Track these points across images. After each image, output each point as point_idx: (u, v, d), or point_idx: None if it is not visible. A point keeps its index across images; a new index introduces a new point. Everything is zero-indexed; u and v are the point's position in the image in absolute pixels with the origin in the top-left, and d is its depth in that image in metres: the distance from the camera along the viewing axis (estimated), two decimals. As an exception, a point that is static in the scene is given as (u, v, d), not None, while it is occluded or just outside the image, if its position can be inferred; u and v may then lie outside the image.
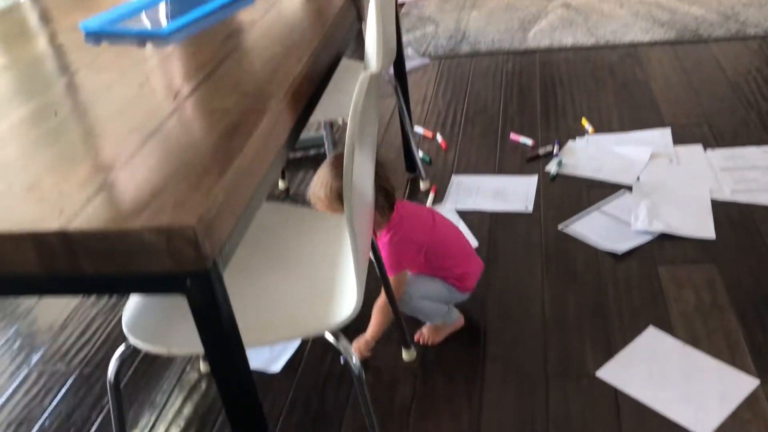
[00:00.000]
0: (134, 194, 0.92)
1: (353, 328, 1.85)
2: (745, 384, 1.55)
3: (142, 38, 1.54)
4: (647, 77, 2.97)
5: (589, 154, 2.48)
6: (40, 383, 1.84)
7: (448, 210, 2.27)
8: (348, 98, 1.05)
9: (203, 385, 1.76)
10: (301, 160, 2.74)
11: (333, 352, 1.79)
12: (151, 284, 0.91)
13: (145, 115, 1.16)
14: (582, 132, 2.63)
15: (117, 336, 1.97)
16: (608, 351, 1.68)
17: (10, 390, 1.83)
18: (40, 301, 2.15)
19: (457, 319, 1.79)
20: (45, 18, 1.83)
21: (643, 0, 3.76)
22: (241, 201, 0.97)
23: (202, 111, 1.15)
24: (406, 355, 1.74)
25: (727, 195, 2.17)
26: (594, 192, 2.27)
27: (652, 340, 1.70)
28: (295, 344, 1.81)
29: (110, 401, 1.27)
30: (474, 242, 2.09)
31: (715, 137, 2.49)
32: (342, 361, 1.75)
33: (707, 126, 2.56)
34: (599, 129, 2.63)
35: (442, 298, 1.74)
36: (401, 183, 2.47)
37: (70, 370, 1.87)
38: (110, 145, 1.08)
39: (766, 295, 1.79)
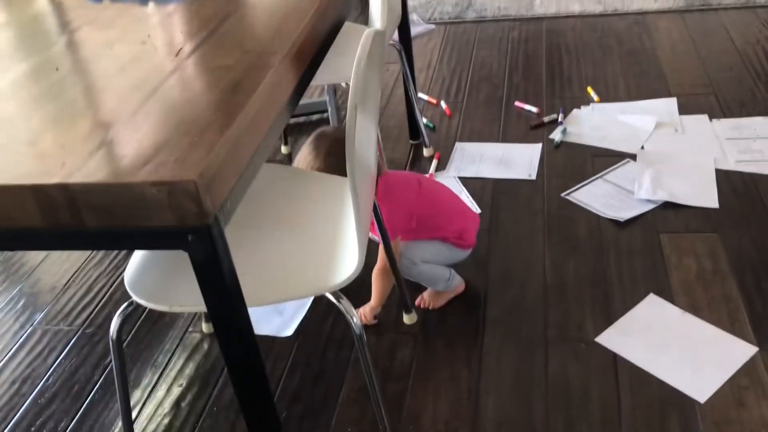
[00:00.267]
0: (136, 149, 0.91)
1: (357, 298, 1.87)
2: (744, 351, 1.56)
3: (144, -4, 1.52)
4: (654, 46, 2.94)
5: (593, 122, 2.47)
6: (43, 342, 1.86)
7: (451, 177, 2.26)
8: (351, 62, 1.04)
9: (205, 346, 1.77)
10: (303, 125, 2.73)
11: (335, 313, 1.80)
12: (153, 240, 0.91)
13: (147, 72, 1.15)
14: (587, 100, 2.61)
15: (119, 297, 1.98)
16: (608, 317, 1.69)
17: (14, 348, 1.85)
18: (43, 262, 2.17)
19: (458, 284, 1.80)
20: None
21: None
22: (243, 158, 0.97)
23: (204, 68, 1.14)
24: (406, 318, 1.75)
25: (731, 165, 2.16)
26: (598, 160, 2.26)
27: (652, 308, 1.70)
28: (304, 309, 1.82)
29: (113, 358, 1.29)
30: (477, 209, 2.09)
31: (721, 107, 2.47)
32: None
33: (714, 96, 2.54)
34: (605, 98, 2.61)
35: (444, 260, 1.75)
36: (404, 150, 2.46)
37: (73, 329, 1.89)
38: (112, 101, 1.07)
39: (767, 265, 1.79)
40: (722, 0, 3.23)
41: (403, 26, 2.33)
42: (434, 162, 2.36)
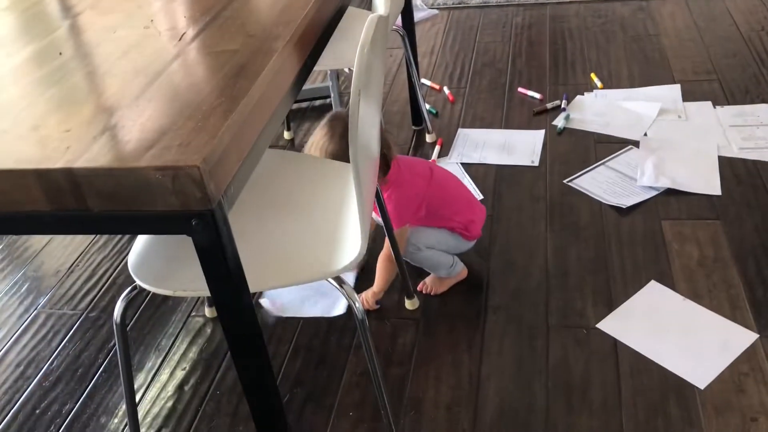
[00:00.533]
0: (139, 134, 0.92)
1: (360, 283, 1.87)
2: (744, 338, 1.57)
3: (146, -20, 1.51)
4: (658, 32, 2.92)
5: (597, 109, 2.46)
6: (47, 326, 1.87)
7: (453, 163, 2.26)
8: (354, 47, 1.04)
9: (208, 330, 1.78)
10: (306, 110, 2.73)
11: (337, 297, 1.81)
12: (157, 224, 0.92)
13: (150, 57, 1.15)
14: (591, 87, 2.60)
15: (123, 281, 1.99)
16: (609, 304, 1.70)
17: (19, 332, 1.86)
18: (47, 246, 2.17)
19: (461, 271, 1.80)
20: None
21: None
22: (247, 143, 0.97)
23: (208, 52, 1.14)
24: (408, 304, 1.76)
25: (734, 152, 2.16)
26: (601, 147, 2.26)
27: (653, 294, 1.71)
28: (351, 282, 1.85)
29: (116, 342, 1.29)
30: (479, 195, 2.09)
31: (725, 94, 2.46)
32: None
33: (718, 82, 2.53)
34: (608, 84, 2.60)
35: (449, 248, 1.75)
36: (407, 136, 2.46)
37: (77, 313, 1.90)
38: (115, 86, 1.07)
39: (769, 252, 1.79)
40: (728, -14, 3.20)
41: (407, 11, 2.32)
42: (437, 148, 2.35)
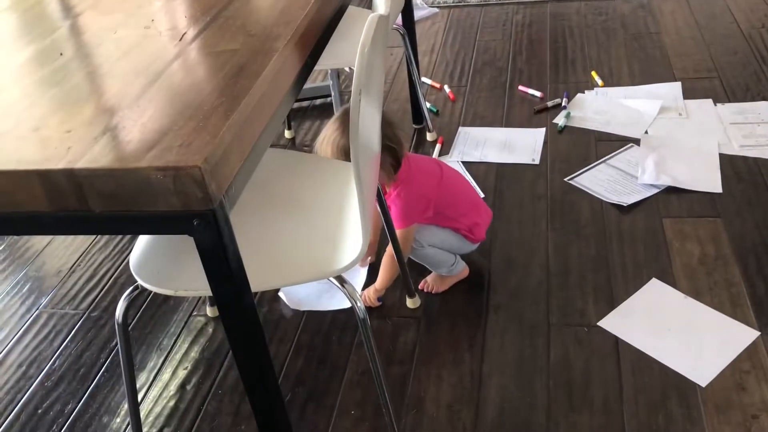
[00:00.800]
0: (141, 134, 0.92)
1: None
2: (745, 335, 1.57)
3: (146, -20, 1.51)
4: (659, 30, 2.92)
5: (597, 107, 2.46)
6: (49, 325, 1.88)
7: (454, 161, 2.26)
8: (355, 46, 1.04)
9: (210, 329, 1.79)
10: (307, 109, 2.73)
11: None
12: (158, 224, 0.92)
13: (151, 57, 1.15)
14: (591, 85, 2.60)
15: (125, 281, 2.00)
16: (610, 302, 1.70)
17: (20, 332, 1.87)
18: (48, 246, 2.18)
19: (462, 269, 1.80)
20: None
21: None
22: (248, 142, 0.97)
23: (209, 53, 1.14)
24: (410, 302, 1.76)
25: (735, 149, 2.16)
26: (602, 145, 2.26)
27: (654, 292, 1.71)
28: (362, 276, 1.86)
29: (118, 341, 1.30)
30: (480, 193, 2.09)
31: (726, 91, 2.46)
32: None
33: (718, 80, 2.53)
34: (609, 82, 2.60)
35: (452, 248, 1.75)
36: (408, 135, 2.46)
37: (78, 313, 1.90)
38: (116, 86, 1.07)
39: (770, 250, 1.79)
40: (728, -17, 3.20)
41: (407, 10, 2.32)
42: (437, 146, 2.35)
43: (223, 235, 0.89)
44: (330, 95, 2.60)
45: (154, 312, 1.87)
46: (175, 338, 1.78)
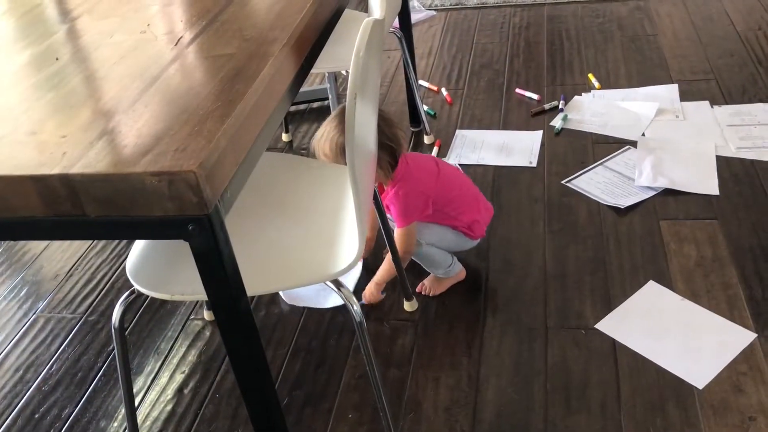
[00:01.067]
0: (136, 139, 0.92)
1: (358, 285, 1.87)
2: (742, 337, 1.57)
3: (143, -16, 1.51)
4: (656, 32, 2.93)
5: (594, 109, 2.46)
6: (46, 330, 1.87)
7: (452, 164, 2.26)
8: (351, 49, 1.04)
9: (207, 333, 1.79)
10: (304, 112, 2.73)
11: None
12: (153, 229, 0.92)
13: (147, 61, 1.15)
14: (588, 87, 2.61)
15: (122, 285, 1.99)
16: (608, 304, 1.70)
17: (18, 336, 1.87)
18: (45, 250, 2.18)
19: (459, 272, 1.80)
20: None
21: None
22: (244, 147, 0.97)
23: (204, 57, 1.14)
24: (407, 305, 1.76)
25: (732, 151, 2.16)
26: (599, 147, 2.26)
27: (651, 294, 1.71)
28: (357, 272, 1.86)
29: (115, 346, 1.30)
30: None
31: (722, 93, 2.46)
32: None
33: (715, 82, 2.53)
34: (606, 84, 2.61)
35: (452, 246, 1.75)
36: (405, 137, 2.46)
37: (76, 317, 1.90)
38: (112, 90, 1.07)
39: (766, 251, 1.79)
40: (725, -15, 3.21)
41: (404, 13, 2.33)
42: (435, 149, 2.36)
43: (219, 239, 0.89)
44: (327, 98, 2.60)
45: (151, 316, 1.86)
46: (172, 342, 1.77)
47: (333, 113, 1.61)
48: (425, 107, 2.57)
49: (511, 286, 1.79)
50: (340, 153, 1.51)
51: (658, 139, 2.26)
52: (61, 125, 0.98)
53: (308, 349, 1.70)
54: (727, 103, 2.40)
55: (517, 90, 2.63)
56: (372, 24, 1.01)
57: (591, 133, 2.34)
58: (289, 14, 1.27)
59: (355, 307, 1.22)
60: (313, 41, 1.32)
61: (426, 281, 1.81)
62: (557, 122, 2.40)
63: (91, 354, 1.78)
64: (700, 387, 1.47)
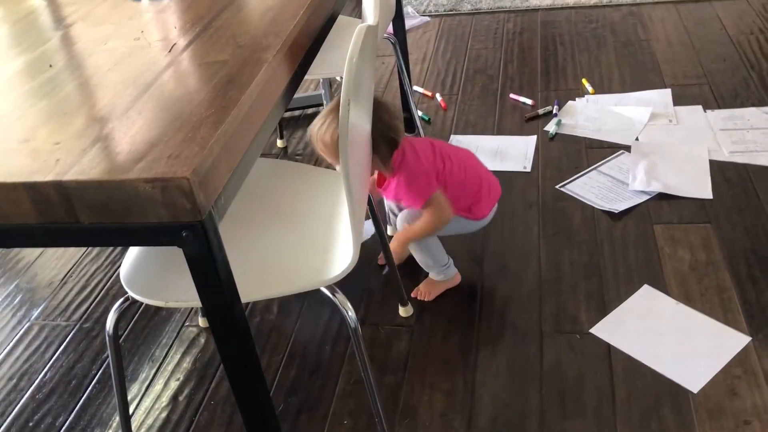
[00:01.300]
0: (129, 146, 0.92)
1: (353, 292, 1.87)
2: (737, 341, 1.57)
3: (137, -9, 1.52)
4: (649, 37, 2.94)
5: (588, 114, 2.47)
6: (41, 337, 1.87)
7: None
8: (345, 55, 1.04)
9: (202, 340, 1.78)
10: (299, 118, 2.73)
11: (331, 306, 1.81)
12: (147, 236, 0.92)
13: (141, 68, 1.15)
14: (582, 92, 2.62)
15: (117, 292, 1.99)
16: (602, 309, 1.70)
17: (12, 344, 1.86)
18: (40, 257, 2.17)
19: (454, 276, 1.81)
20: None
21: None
22: (237, 153, 0.97)
23: (198, 64, 1.14)
24: (402, 311, 1.76)
25: (725, 156, 2.17)
26: (592, 152, 2.27)
27: (646, 298, 1.71)
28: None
29: (109, 353, 1.29)
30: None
31: (715, 98, 2.47)
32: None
33: (708, 86, 2.54)
34: (599, 89, 2.62)
35: (451, 230, 1.71)
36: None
37: (70, 324, 1.89)
38: (105, 97, 1.07)
39: (760, 255, 1.80)
40: (717, -10, 3.23)
41: (398, 19, 2.33)
42: (429, 155, 2.36)
43: (212, 246, 0.89)
44: (322, 104, 2.61)
45: (146, 323, 1.86)
46: (167, 349, 1.77)
47: (329, 105, 1.55)
48: (420, 113, 2.57)
49: (506, 290, 1.80)
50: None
51: (652, 144, 2.27)
52: (55, 132, 0.98)
53: (303, 355, 1.69)
54: (719, 107, 2.41)
55: (511, 95, 2.64)
56: (365, 30, 1.02)
57: (585, 138, 2.34)
58: (282, 21, 1.27)
59: (350, 313, 1.22)
60: (306, 47, 1.33)
61: (421, 286, 1.81)
62: (551, 127, 2.41)
63: (85, 361, 1.77)
64: (695, 391, 1.48)
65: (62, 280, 2.06)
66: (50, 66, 1.20)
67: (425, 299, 1.79)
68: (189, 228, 0.87)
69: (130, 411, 1.60)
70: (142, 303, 1.16)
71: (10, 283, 2.08)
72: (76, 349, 1.81)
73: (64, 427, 1.60)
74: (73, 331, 1.87)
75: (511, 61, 2.90)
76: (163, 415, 1.60)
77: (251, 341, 1.02)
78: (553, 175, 2.18)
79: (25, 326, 1.91)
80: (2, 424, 1.64)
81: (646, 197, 2.03)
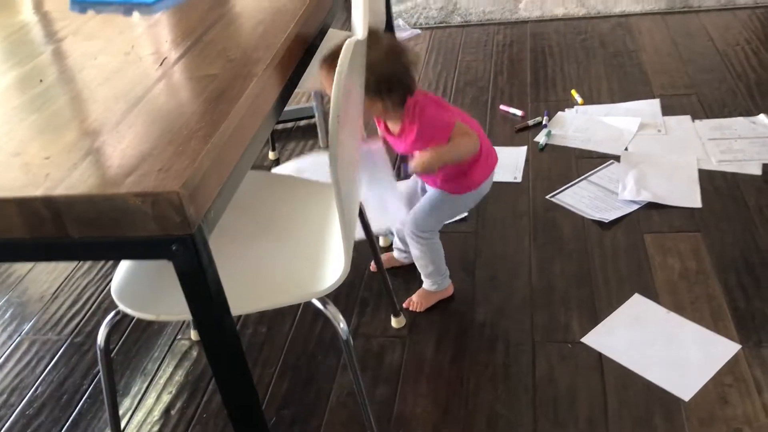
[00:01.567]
0: (120, 160, 0.92)
1: (345, 303, 1.87)
2: (727, 349, 1.58)
3: (128, 6, 1.52)
4: (637, 48, 2.97)
5: (578, 124, 2.49)
6: (31, 352, 1.86)
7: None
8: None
9: (194, 353, 1.78)
10: (291, 130, 2.74)
11: (323, 318, 1.81)
12: (137, 250, 0.92)
13: (131, 83, 1.15)
14: (571, 103, 2.64)
15: (108, 305, 1.98)
16: (594, 318, 1.71)
17: (2, 359, 1.85)
18: (31, 271, 2.16)
19: (448, 287, 1.81)
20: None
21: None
22: (227, 166, 0.98)
23: (188, 77, 1.15)
24: (395, 322, 1.77)
25: (713, 165, 2.19)
26: (582, 162, 2.28)
27: (636, 307, 1.72)
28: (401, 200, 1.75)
29: (100, 368, 1.29)
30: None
31: (703, 107, 2.49)
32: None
33: (696, 96, 2.57)
34: (589, 100, 2.64)
35: (454, 211, 1.69)
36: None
37: (61, 338, 1.89)
38: (96, 112, 1.07)
39: (749, 263, 1.81)
40: (703, 2, 3.27)
41: (389, 31, 2.35)
42: (421, 166, 2.37)
43: (202, 259, 0.89)
44: (314, 116, 2.62)
45: (138, 336, 1.85)
46: (159, 362, 1.76)
47: (326, 54, 1.48)
48: (411, 124, 2.58)
49: (498, 301, 1.80)
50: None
51: (641, 154, 2.28)
52: (45, 146, 0.98)
53: (296, 367, 1.69)
54: (708, 117, 2.44)
55: (502, 106, 2.65)
56: (353, 45, 1.02)
57: (575, 148, 2.36)
58: (273, 34, 1.28)
59: (342, 325, 1.22)
60: (297, 60, 1.33)
61: (414, 296, 1.81)
62: (541, 138, 2.42)
63: (76, 376, 1.76)
64: (687, 399, 1.48)
65: (53, 294, 2.05)
66: (40, 81, 1.21)
67: (418, 310, 1.80)
68: (179, 241, 0.87)
69: (122, 425, 1.60)
70: (134, 316, 1.15)
71: (1, 298, 2.07)
72: (67, 363, 1.81)
73: (55, 443, 1.59)
74: (64, 346, 1.86)
75: (501, 72, 2.92)
76: (155, 429, 1.59)
77: (242, 355, 1.01)
78: (543, 186, 2.19)
79: (16, 341, 1.90)
80: (-8, 440, 1.63)
81: (635, 206, 2.05)
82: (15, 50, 1.38)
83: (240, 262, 1.23)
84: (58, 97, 1.14)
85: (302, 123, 2.77)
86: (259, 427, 1.08)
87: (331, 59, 1.44)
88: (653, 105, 2.54)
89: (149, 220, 0.85)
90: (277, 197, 1.43)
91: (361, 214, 1.57)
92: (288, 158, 2.56)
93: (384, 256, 1.91)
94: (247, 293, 1.16)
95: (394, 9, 3.45)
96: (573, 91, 2.69)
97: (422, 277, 1.80)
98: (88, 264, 2.16)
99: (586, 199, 2.11)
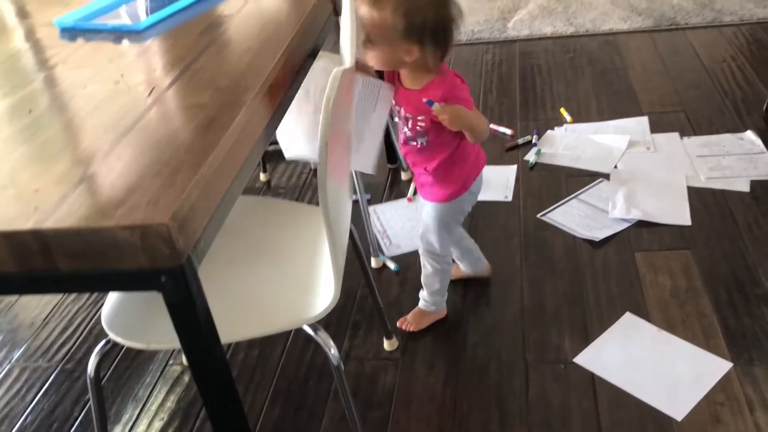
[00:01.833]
0: (109, 192, 0.92)
1: (336, 328, 1.87)
2: (719, 367, 1.58)
3: (118, 34, 1.53)
4: (625, 65, 3.00)
5: (567, 143, 2.51)
6: (21, 380, 1.84)
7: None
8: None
9: (186, 378, 1.77)
10: (282, 152, 2.74)
11: (315, 343, 1.80)
12: (126, 281, 0.92)
13: (121, 112, 1.16)
14: (561, 121, 2.65)
15: (99, 332, 1.97)
16: (585, 337, 1.71)
17: (-8, 387, 1.83)
18: (21, 298, 2.15)
19: (443, 308, 1.81)
20: (22, 13, 1.81)
21: (621, -12, 3.78)
22: (216, 196, 0.98)
23: (178, 106, 1.16)
24: (387, 344, 1.76)
25: (702, 182, 2.20)
26: (572, 180, 2.30)
27: (628, 326, 1.73)
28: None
29: (91, 396, 1.28)
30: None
31: (691, 124, 2.52)
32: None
33: (684, 113, 2.59)
34: (577, 118, 2.66)
35: (458, 212, 1.65)
36: (383, 174, 2.48)
37: (52, 366, 1.87)
38: (85, 142, 1.08)
39: (738, 279, 1.82)
40: (689, 19, 3.30)
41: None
42: (412, 185, 2.38)
43: (192, 290, 0.89)
44: (304, 138, 2.62)
45: (129, 362, 1.84)
46: (150, 389, 1.75)
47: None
48: (401, 144, 2.59)
49: (490, 321, 1.80)
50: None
51: (631, 171, 2.30)
52: (34, 178, 0.99)
53: (288, 392, 1.69)
54: (696, 134, 2.46)
55: (491, 125, 2.67)
56: (341, 74, 1.03)
57: (564, 167, 2.37)
58: (262, 61, 1.29)
59: (333, 351, 1.22)
60: (286, 86, 1.34)
61: (409, 316, 1.81)
62: (531, 156, 2.44)
63: (67, 404, 1.75)
64: (679, 419, 1.48)
65: (44, 320, 2.04)
66: (30, 111, 1.21)
67: (411, 329, 1.79)
68: (168, 273, 0.87)
69: (113, 453, 1.58)
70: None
71: (-9, 325, 2.06)
72: (57, 391, 1.79)
73: (45, 472, 1.58)
74: (54, 373, 1.85)
75: (490, 91, 2.94)
76: (147, 456, 1.58)
77: (233, 383, 1.01)
78: (534, 204, 2.20)
79: (6, 368, 1.89)
80: (-18, 471, 1.61)
81: (626, 225, 2.06)
82: (4, 79, 1.39)
83: (229, 290, 1.23)
84: (48, 128, 1.14)
85: (293, 144, 2.77)
86: (250, 456, 1.07)
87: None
88: (642, 122, 2.57)
89: (138, 252, 0.86)
90: (267, 222, 1.43)
91: (352, 237, 1.57)
92: (279, 180, 2.57)
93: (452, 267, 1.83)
94: (236, 321, 1.16)
95: (384, 29, 3.47)
96: (562, 110, 2.71)
97: (421, 297, 1.80)
98: (79, 289, 2.15)
99: (576, 217, 2.12)
